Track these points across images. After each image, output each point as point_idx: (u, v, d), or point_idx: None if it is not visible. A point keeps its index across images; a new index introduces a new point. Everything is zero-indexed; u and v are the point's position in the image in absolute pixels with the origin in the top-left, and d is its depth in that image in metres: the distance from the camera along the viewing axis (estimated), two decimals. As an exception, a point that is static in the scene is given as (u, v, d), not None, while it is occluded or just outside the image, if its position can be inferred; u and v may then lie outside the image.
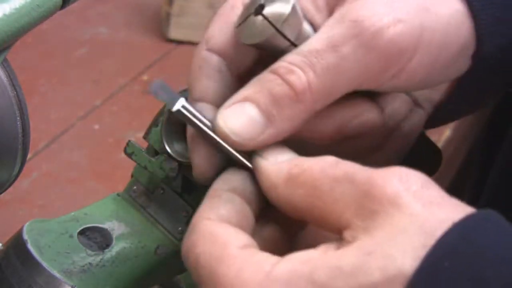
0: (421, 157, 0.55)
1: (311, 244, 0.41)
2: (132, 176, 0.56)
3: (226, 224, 0.42)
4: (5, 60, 0.48)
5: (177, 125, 0.53)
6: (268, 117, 0.44)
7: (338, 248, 0.39)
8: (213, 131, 0.45)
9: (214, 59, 0.48)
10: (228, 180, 0.45)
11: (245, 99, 0.44)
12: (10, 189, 0.55)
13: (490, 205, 0.39)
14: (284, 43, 0.45)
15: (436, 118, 0.53)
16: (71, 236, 0.51)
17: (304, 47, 0.45)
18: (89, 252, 0.50)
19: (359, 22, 0.44)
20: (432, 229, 0.37)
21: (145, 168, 0.54)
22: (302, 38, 0.46)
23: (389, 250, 0.37)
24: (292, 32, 0.45)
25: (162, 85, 0.45)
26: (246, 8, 0.47)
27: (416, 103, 0.52)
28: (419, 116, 0.52)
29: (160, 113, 0.54)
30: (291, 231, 0.45)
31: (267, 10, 0.45)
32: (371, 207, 0.39)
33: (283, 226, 0.45)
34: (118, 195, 0.56)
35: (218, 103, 0.46)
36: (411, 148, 0.53)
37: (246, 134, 0.44)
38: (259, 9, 0.45)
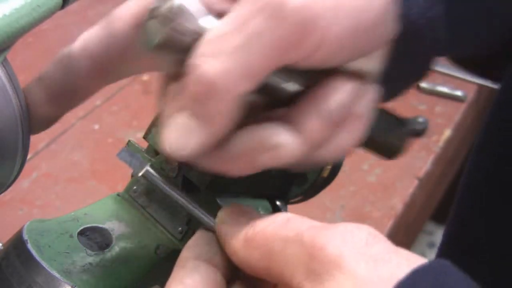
0: (386, 132, 0.54)
1: None
2: (132, 176, 0.56)
3: None
4: (5, 60, 0.48)
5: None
6: (197, 118, 0.42)
7: None
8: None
9: None
10: (193, 247, 0.44)
11: (175, 111, 0.42)
12: (10, 189, 0.55)
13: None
14: (184, 40, 0.42)
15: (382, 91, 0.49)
16: (71, 236, 0.51)
17: (210, 34, 0.41)
18: (89, 252, 0.50)
19: None
20: None
21: (145, 168, 0.54)
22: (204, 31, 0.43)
23: None
24: (187, 27, 0.42)
25: (130, 152, 0.51)
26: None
27: (362, 79, 0.47)
28: (371, 93, 0.47)
29: (160, 113, 0.54)
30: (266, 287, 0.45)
31: (156, 12, 0.42)
32: (317, 269, 0.38)
33: (256, 284, 0.44)
34: (118, 195, 0.56)
35: None
36: (373, 127, 0.49)
37: (184, 144, 0.42)
38: (151, 13, 0.43)
